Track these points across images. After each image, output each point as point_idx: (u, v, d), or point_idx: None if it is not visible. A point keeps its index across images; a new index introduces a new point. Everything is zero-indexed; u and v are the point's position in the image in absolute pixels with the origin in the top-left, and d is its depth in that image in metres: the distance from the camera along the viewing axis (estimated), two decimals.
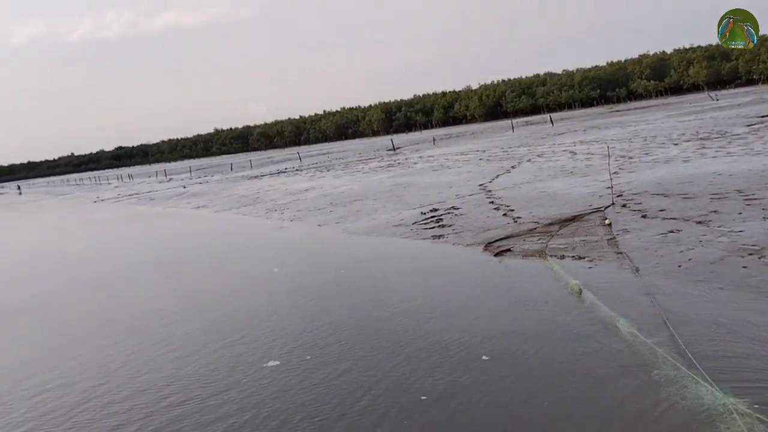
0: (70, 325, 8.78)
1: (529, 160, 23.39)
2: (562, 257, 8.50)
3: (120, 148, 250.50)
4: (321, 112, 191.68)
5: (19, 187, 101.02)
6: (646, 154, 19.58)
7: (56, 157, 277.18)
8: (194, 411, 5.03)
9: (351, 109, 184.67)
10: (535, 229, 10.68)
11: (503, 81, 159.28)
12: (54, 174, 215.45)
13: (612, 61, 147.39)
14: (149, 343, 7.14)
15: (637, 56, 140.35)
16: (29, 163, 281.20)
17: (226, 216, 20.70)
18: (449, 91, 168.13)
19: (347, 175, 30.49)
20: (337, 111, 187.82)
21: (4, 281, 13.92)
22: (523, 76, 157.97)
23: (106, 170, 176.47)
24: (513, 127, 61.85)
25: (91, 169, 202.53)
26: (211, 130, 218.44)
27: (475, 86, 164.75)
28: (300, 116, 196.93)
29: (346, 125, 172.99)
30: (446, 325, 6.38)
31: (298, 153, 74.29)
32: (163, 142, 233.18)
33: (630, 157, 19.14)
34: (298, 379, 5.40)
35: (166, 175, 66.55)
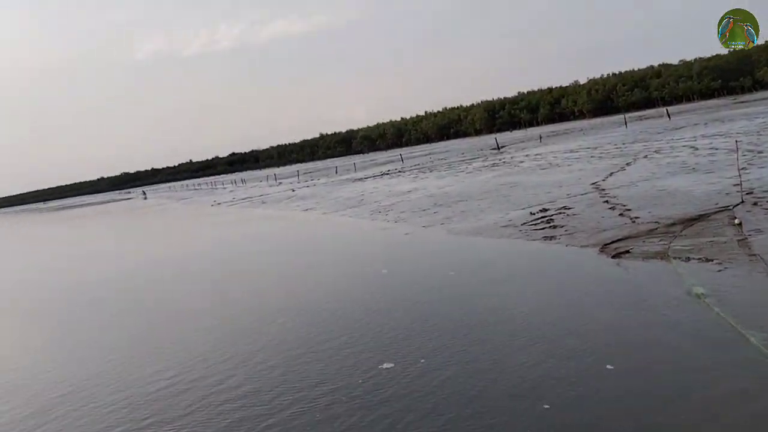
0: (191, 320, 9.28)
1: (645, 157, 22.08)
2: (687, 259, 7.90)
3: (233, 154, 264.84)
4: (422, 113, 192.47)
5: (144, 193, 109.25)
6: None
7: (176, 164, 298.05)
8: (306, 411, 5.12)
9: (452, 108, 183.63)
10: (655, 229, 10.02)
11: (613, 74, 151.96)
12: (175, 179, 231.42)
13: (735, 49, 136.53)
14: (264, 342, 7.38)
15: (763, 42, 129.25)
16: (152, 169, 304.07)
17: (333, 218, 21.18)
18: (555, 87, 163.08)
19: (450, 175, 30.29)
20: (438, 111, 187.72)
21: (148, 277, 15.04)
22: (636, 68, 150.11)
23: (221, 175, 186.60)
24: (626, 122, 58.82)
25: (208, 175, 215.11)
26: (317, 135, 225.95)
27: (583, 81, 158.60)
28: (401, 118, 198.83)
29: (447, 125, 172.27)
30: (563, 331, 6.10)
31: (400, 154, 74.94)
32: (271, 147, 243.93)
33: (760, 152, 17.55)
34: (412, 381, 5.37)
35: (275, 179, 69.35)
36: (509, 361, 5.51)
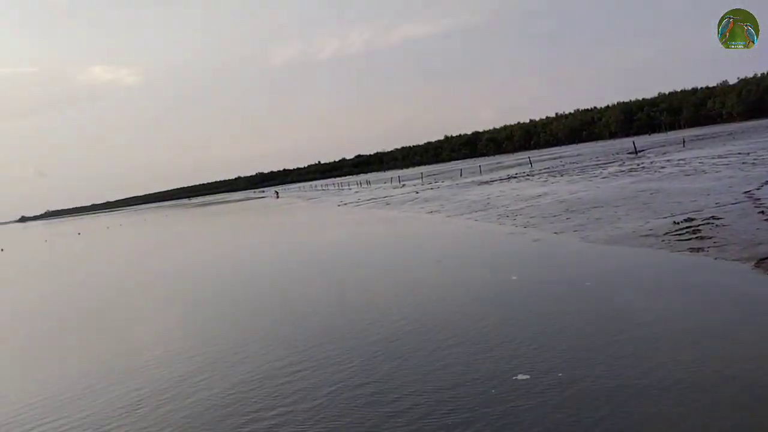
0: (322, 318, 9.57)
1: None
2: None
3: (359, 156, 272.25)
4: (552, 115, 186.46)
5: (277, 193, 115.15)
6: None
7: (306, 165, 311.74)
8: (436, 418, 5.05)
9: (585, 110, 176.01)
10: None
11: None
12: (304, 180, 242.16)
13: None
14: (397, 347, 7.42)
15: None
16: (284, 170, 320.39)
17: (459, 221, 21.03)
18: (701, 88, 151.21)
19: (583, 180, 28.98)
20: (569, 113, 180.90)
21: (290, 272, 15.86)
22: None
23: (347, 176, 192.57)
24: None
25: (334, 176, 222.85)
26: (441, 137, 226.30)
27: (732, 81, 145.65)
28: (530, 120, 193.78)
29: (579, 127, 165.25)
30: (718, 353, 5.56)
31: (529, 157, 72.95)
32: (396, 150, 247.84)
33: None
34: (549, 396, 5.14)
35: (399, 181, 70.28)
36: (654, 382, 5.11)
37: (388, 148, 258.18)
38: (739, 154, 29.54)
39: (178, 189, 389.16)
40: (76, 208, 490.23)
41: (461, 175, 61.94)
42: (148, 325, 11.64)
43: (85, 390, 7.41)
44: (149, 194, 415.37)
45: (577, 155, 67.02)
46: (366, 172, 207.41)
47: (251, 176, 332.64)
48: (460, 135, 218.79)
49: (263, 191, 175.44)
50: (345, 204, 44.81)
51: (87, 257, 34.24)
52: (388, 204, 36.35)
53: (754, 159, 25.00)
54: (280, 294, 12.53)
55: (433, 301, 9.60)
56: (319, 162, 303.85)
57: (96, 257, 33.31)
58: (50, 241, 59.77)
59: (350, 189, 76.62)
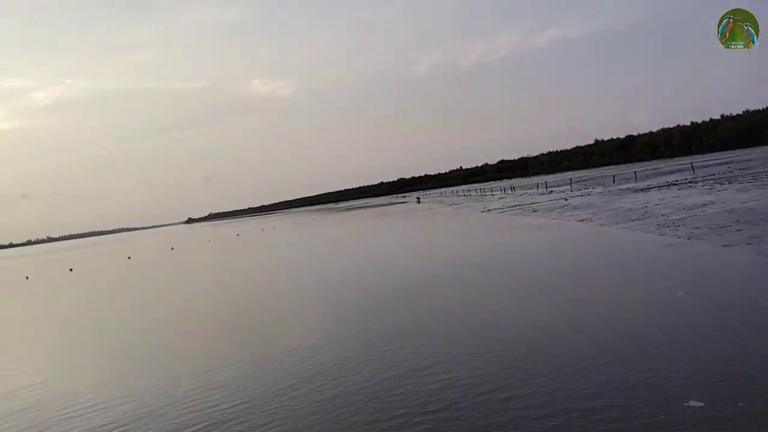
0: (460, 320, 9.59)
1: None
2: None
3: (502, 161, 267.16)
4: (717, 117, 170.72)
5: (418, 198, 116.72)
6: None
7: (447, 171, 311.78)
8: None
9: (756, 111, 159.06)
10: None
11: None
12: (445, 185, 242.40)
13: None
14: (534, 359, 7.26)
15: None
16: (425, 175, 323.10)
17: (613, 230, 19.99)
18: None
19: (756, 188, 26.22)
20: (737, 114, 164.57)
21: (439, 274, 16.16)
22: None
23: (490, 182, 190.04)
24: None
25: (476, 181, 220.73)
26: (591, 142, 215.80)
27: None
28: (691, 123, 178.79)
29: (750, 130, 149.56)
30: None
31: (691, 163, 67.32)
32: (542, 154, 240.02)
33: None
34: (722, 426, 4.74)
35: (546, 188, 68.15)
36: None
37: (533, 153, 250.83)
38: None
39: (325, 194, 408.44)
40: (235, 211, 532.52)
41: (614, 181, 58.69)
42: (299, 318, 12.36)
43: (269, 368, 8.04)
44: (299, 198, 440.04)
45: (748, 161, 60.66)
46: (509, 178, 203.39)
47: (393, 182, 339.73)
48: (612, 139, 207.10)
49: (405, 196, 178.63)
50: (489, 210, 44.33)
51: (245, 256, 36.98)
52: (534, 211, 35.42)
53: None
54: (432, 297, 12.72)
55: (587, 313, 9.25)
56: (461, 167, 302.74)
57: (253, 256, 35.88)
58: (212, 241, 65.31)
59: (493, 195, 75.66)
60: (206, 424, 6.72)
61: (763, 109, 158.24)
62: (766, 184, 27.27)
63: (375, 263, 21.62)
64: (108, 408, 7.96)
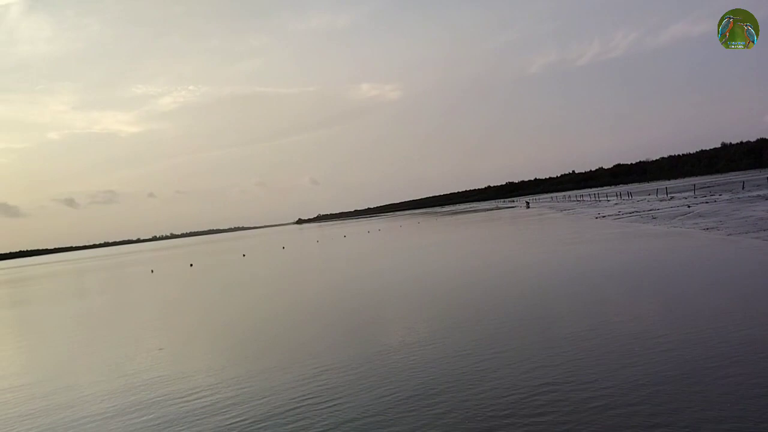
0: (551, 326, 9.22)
1: None
2: None
3: (618, 165, 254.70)
4: None
5: (527, 203, 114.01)
6: None
7: (558, 175, 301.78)
8: None
9: None
10: None
11: None
12: (556, 190, 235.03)
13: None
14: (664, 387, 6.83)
15: None
16: (535, 179, 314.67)
17: (744, 240, 18.47)
18: None
19: None
20: None
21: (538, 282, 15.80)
22: None
23: (604, 187, 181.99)
24: None
25: (590, 186, 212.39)
26: (717, 145, 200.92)
27: None
28: None
29: None
30: None
31: None
32: (662, 159, 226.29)
33: None
34: None
35: (666, 194, 64.24)
36: None
37: (653, 157, 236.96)
38: None
39: (430, 197, 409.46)
40: (342, 213, 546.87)
41: (743, 187, 54.29)
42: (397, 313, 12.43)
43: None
44: (404, 202, 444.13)
45: None
46: (626, 183, 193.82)
47: (501, 185, 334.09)
48: (741, 143, 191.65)
49: (513, 201, 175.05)
50: (603, 216, 42.43)
51: (351, 257, 37.80)
52: (654, 218, 33.48)
53: None
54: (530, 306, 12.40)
55: (718, 337, 8.60)
56: (573, 172, 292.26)
57: (358, 258, 36.60)
58: (321, 242, 67.37)
59: (608, 201, 72.30)
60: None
61: None
62: None
63: (472, 270, 21.37)
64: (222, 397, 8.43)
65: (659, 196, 61.13)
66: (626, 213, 41.91)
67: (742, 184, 62.12)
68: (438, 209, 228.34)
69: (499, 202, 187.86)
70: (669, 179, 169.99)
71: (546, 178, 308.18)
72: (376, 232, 76.94)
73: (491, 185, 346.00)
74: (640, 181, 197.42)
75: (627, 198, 71.64)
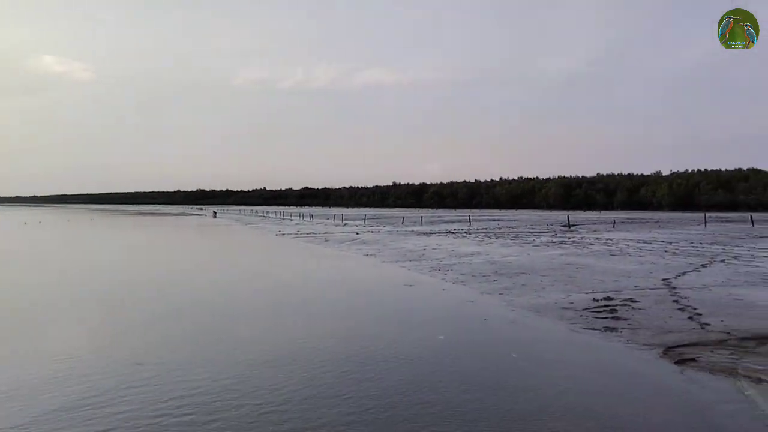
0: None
1: (723, 261, 21.05)
2: (759, 380, 7.38)
3: (306, 188, 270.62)
4: (497, 179, 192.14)
5: (215, 213, 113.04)
6: None
7: (250, 189, 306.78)
8: None
9: (528, 179, 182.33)
10: (726, 341, 9.45)
11: (698, 171, 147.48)
12: (246, 203, 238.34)
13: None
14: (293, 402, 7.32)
15: None
16: (227, 190, 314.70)
17: (392, 268, 21.16)
18: (636, 174, 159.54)
19: (516, 245, 29.81)
20: (513, 179, 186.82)
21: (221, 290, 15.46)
22: (722, 169, 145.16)
23: (291, 207, 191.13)
24: (705, 222, 56.57)
25: (278, 204, 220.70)
26: (389, 183, 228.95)
27: (665, 172, 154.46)
28: (475, 180, 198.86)
29: (521, 194, 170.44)
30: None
31: (469, 216, 74.62)
32: (344, 188, 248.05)
33: None
34: None
35: (342, 220, 70.30)
36: None
37: (336, 185, 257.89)
38: (663, 242, 31.14)
39: (114, 194, 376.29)
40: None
41: (403, 222, 62.56)
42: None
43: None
44: (83, 194, 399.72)
45: (515, 220, 68.95)
46: (310, 205, 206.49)
47: (191, 192, 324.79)
48: (408, 184, 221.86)
49: (201, 209, 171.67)
50: (283, 234, 44.36)
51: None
52: (326, 241, 36.21)
53: (675, 249, 26.41)
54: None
55: (350, 349, 9.58)
56: (265, 188, 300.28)
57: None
58: None
59: (291, 220, 75.98)
60: None
61: (532, 177, 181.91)
62: (524, 243, 31.10)
63: (132, 277, 20.28)
64: None
65: (335, 222, 66.57)
66: (304, 233, 44.54)
67: (402, 219, 71.61)
68: (120, 207, 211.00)
69: (187, 209, 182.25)
70: (347, 207, 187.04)
71: (238, 191, 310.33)
72: (35, 224, 67.27)
73: (181, 190, 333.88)
74: (323, 205, 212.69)
75: (308, 220, 76.34)
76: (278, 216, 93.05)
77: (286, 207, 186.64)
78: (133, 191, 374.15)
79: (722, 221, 62.80)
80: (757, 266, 19.32)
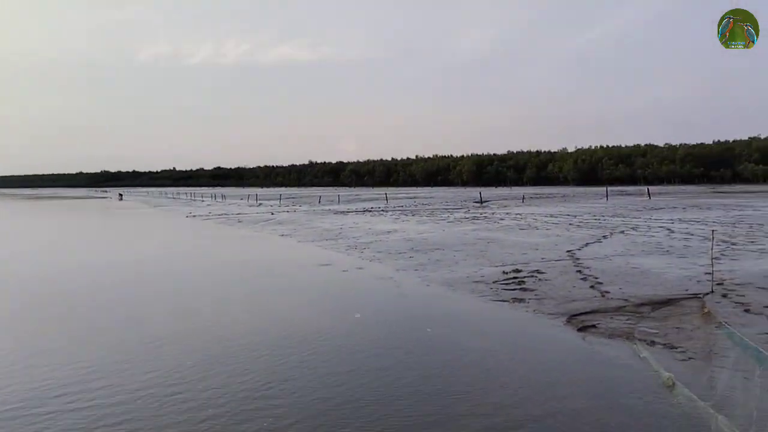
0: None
1: (622, 232, 22.36)
2: (652, 343, 7.88)
3: (218, 168, 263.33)
4: (413, 157, 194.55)
5: (121, 195, 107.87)
6: (752, 242, 18.22)
7: (159, 170, 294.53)
8: None
9: (443, 157, 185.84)
10: (624, 307, 10.04)
11: (601, 147, 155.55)
12: (154, 185, 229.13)
13: (719, 140, 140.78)
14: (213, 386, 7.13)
15: (746, 138, 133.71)
16: (134, 172, 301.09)
17: (308, 248, 20.98)
18: (544, 151, 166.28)
19: (432, 222, 30.36)
20: (428, 157, 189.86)
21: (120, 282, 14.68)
22: (623, 145, 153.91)
23: (203, 188, 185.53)
24: (607, 195, 59.87)
25: (189, 185, 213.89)
26: (306, 162, 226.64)
27: (571, 149, 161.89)
28: (392, 158, 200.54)
29: (436, 172, 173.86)
30: (522, 413, 6.00)
31: (386, 194, 75.20)
32: (259, 167, 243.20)
33: (733, 244, 17.86)
34: None
35: (256, 200, 69.02)
36: None
37: (251, 165, 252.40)
38: (568, 215, 32.70)
39: (6, 177, 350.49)
40: None
41: (320, 201, 62.23)
42: None
43: None
44: None
45: (430, 197, 70.26)
46: (224, 186, 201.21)
47: (95, 173, 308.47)
48: (324, 162, 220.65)
49: (106, 191, 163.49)
50: (194, 216, 42.99)
51: None
52: (240, 222, 35.42)
53: (579, 222, 27.79)
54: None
55: (259, 331, 9.42)
56: (174, 168, 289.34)
57: None
58: None
59: (203, 201, 73.76)
60: None
61: (447, 155, 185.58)
62: (439, 220, 31.74)
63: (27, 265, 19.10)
64: None
65: (250, 202, 65.23)
66: (216, 214, 43.37)
67: (319, 198, 71.21)
68: (18, 191, 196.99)
69: (91, 191, 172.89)
70: (263, 187, 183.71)
71: (146, 172, 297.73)
72: None
73: (84, 171, 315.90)
74: (237, 185, 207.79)
75: (221, 200, 74.39)
76: (189, 197, 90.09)
77: (198, 188, 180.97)
78: (30, 174, 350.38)
79: (622, 194, 66.73)
80: (652, 236, 20.64)
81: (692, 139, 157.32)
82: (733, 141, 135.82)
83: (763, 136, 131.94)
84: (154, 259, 19.50)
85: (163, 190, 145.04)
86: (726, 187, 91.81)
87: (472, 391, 6.38)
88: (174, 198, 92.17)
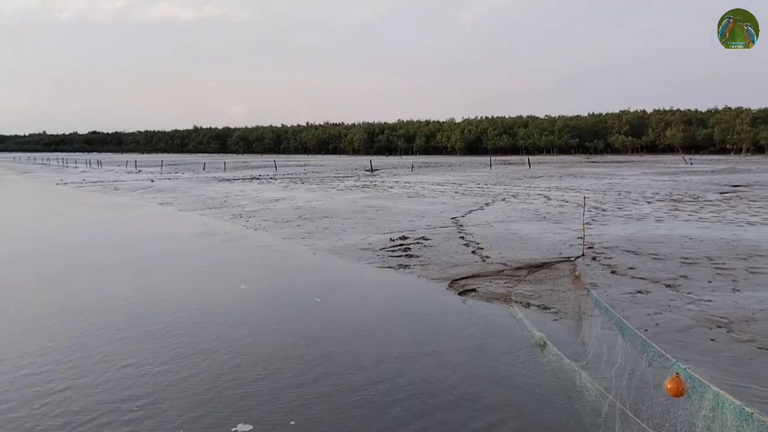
0: None
1: (503, 200, 23.31)
2: (528, 305, 8.23)
3: (94, 132, 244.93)
4: (304, 124, 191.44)
5: None
6: (620, 208, 19.64)
7: (27, 134, 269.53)
8: None
9: (334, 124, 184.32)
10: (502, 271, 10.43)
11: (486, 118, 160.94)
12: (22, 150, 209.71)
13: (593, 113, 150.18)
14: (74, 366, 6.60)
15: (617, 111, 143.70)
16: None
17: (190, 216, 20.06)
18: (433, 121, 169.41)
19: (321, 190, 30.09)
20: (320, 125, 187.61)
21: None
22: (506, 116, 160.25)
23: (77, 153, 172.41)
24: (491, 165, 62.24)
25: (61, 150, 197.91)
26: (190, 127, 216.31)
27: (458, 119, 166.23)
28: (282, 125, 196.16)
29: (327, 140, 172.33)
30: (407, 375, 6.04)
31: (275, 161, 73.49)
32: (139, 132, 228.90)
33: (603, 210, 19.16)
34: None
35: (136, 167, 65.18)
36: (349, 403, 5.30)
37: (130, 129, 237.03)
38: (454, 184, 33.65)
39: None
40: None
41: (204, 168, 59.86)
42: None
43: None
44: None
45: (321, 166, 69.64)
46: (100, 152, 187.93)
47: None
48: (210, 128, 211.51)
49: None
50: (65, 183, 39.87)
51: None
52: (116, 189, 33.29)
53: (464, 190, 28.66)
54: None
55: (139, 308, 8.87)
56: (44, 132, 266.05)
57: None
58: None
59: (77, 167, 68.60)
60: None
61: (338, 123, 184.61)
62: (329, 188, 31.52)
63: None
64: None
65: (128, 169, 61.57)
66: (91, 182, 40.50)
67: (203, 165, 68.45)
68: None
69: None
70: (143, 153, 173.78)
71: (11, 135, 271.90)
72: None
73: None
74: (115, 151, 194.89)
75: (97, 167, 69.62)
76: (61, 163, 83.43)
77: (71, 153, 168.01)
78: None
79: (505, 164, 69.67)
80: (531, 203, 21.68)
81: (571, 111, 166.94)
82: (606, 113, 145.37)
83: (632, 110, 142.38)
84: (12, 230, 17.81)
85: (32, 156, 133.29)
86: (598, 157, 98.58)
87: (359, 353, 6.36)
88: (44, 164, 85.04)
